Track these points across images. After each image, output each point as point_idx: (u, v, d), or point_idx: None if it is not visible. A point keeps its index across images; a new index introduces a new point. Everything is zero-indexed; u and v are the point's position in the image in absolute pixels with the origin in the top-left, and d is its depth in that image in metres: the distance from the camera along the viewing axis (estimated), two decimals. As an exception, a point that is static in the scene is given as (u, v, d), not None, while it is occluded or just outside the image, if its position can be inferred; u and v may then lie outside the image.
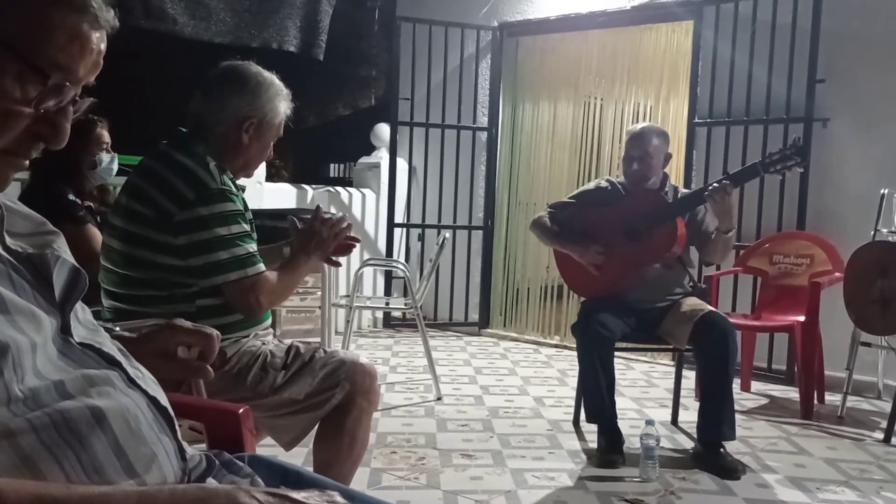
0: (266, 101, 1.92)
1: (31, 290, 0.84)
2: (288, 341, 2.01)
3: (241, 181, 2.07)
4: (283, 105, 1.96)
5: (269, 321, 2.05)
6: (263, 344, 1.95)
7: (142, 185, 1.87)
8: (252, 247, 1.86)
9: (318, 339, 4.22)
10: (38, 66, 0.79)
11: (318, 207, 2.01)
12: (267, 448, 2.07)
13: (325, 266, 4.09)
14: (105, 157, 2.93)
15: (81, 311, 0.94)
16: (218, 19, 4.78)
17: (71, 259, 0.91)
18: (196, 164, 1.84)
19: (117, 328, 1.12)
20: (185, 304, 1.83)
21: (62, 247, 0.94)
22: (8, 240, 0.86)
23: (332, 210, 2.10)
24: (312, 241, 1.94)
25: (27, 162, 0.84)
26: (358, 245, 2.08)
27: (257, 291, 1.82)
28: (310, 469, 1.36)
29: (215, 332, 1.15)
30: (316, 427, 1.90)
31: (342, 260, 2.11)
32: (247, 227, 1.88)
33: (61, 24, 0.80)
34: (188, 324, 1.16)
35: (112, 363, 0.90)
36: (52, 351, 0.84)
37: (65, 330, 0.87)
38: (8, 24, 0.78)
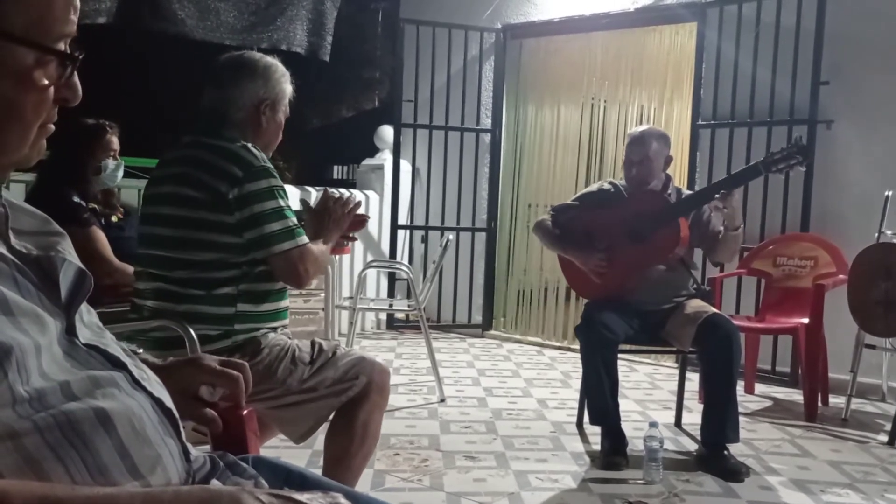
0: (276, 83, 2.03)
1: (36, 291, 0.84)
2: (307, 339, 2.06)
3: None
4: (288, 85, 2.07)
5: (287, 319, 2.10)
6: (289, 338, 2.02)
7: (189, 172, 1.94)
8: (295, 219, 1.96)
9: (323, 341, 4.22)
10: (54, 49, 0.83)
11: (326, 189, 2.13)
12: (271, 450, 2.08)
13: (329, 268, 4.11)
14: (111, 163, 2.94)
15: (87, 314, 0.94)
16: (226, 20, 4.79)
17: (77, 261, 0.92)
18: (235, 146, 1.94)
19: (141, 350, 1.11)
20: (228, 287, 1.90)
21: (67, 248, 0.94)
22: (13, 239, 0.87)
23: None
24: (327, 219, 2.07)
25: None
26: (363, 245, 2.16)
27: (305, 261, 1.94)
28: (314, 470, 1.36)
29: (239, 375, 1.11)
30: (328, 424, 1.95)
31: (346, 256, 2.19)
32: (289, 201, 1.98)
33: None
34: (215, 362, 1.13)
35: (117, 365, 0.90)
36: (57, 352, 0.84)
37: (70, 331, 0.88)
38: (17, 18, 0.80)
